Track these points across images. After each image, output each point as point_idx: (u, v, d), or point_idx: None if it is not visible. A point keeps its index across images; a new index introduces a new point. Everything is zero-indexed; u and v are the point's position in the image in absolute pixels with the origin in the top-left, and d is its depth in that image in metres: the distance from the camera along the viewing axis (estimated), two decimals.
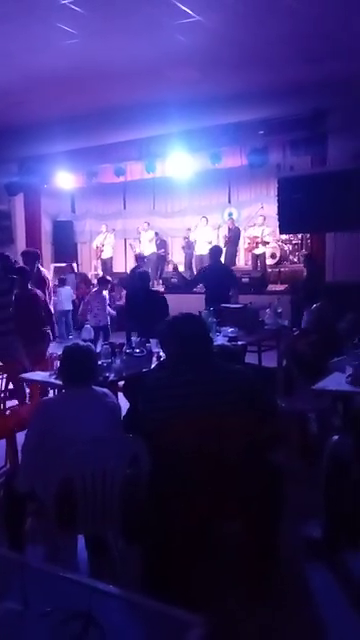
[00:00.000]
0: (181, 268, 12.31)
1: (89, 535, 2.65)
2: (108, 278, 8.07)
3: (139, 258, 11.41)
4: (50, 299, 7.03)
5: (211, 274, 7.50)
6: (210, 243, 11.62)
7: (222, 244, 11.81)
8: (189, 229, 12.13)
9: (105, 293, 7.68)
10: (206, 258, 11.52)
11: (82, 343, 2.98)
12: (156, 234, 12.62)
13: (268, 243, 11.28)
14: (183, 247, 12.44)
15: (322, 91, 7.81)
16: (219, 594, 2.49)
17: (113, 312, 7.87)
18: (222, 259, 8.53)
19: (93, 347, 3.06)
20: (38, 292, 5.56)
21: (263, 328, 6.03)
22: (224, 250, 11.55)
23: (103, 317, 7.40)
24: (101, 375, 3.65)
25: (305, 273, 8.95)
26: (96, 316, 7.35)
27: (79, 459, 2.32)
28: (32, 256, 6.17)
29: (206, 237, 11.67)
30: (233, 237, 11.64)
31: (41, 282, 6.00)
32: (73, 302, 10.23)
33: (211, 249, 7.95)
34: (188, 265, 12.03)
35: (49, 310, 5.96)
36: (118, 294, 9.85)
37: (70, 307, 10.08)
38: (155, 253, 12.36)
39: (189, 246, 12.11)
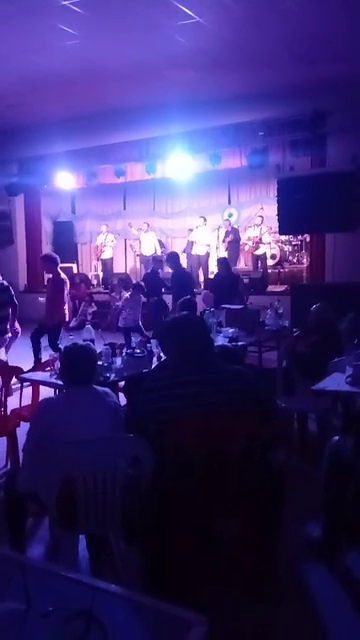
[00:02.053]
0: None
1: (90, 535, 2.66)
2: (141, 284, 8.23)
3: (155, 260, 11.35)
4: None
5: (178, 279, 8.09)
6: (208, 246, 11.61)
7: (223, 247, 11.81)
8: (191, 230, 12.08)
9: (139, 297, 7.96)
10: (203, 258, 11.55)
11: (81, 343, 2.99)
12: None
13: (268, 243, 11.30)
14: (184, 250, 12.39)
15: (321, 93, 7.84)
16: (220, 593, 2.49)
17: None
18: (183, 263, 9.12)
19: (93, 346, 3.06)
20: None
21: (263, 329, 6.04)
22: (226, 253, 11.57)
23: (134, 319, 7.76)
24: (102, 375, 3.65)
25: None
26: (125, 318, 7.69)
27: (80, 459, 2.32)
28: None
29: (204, 238, 11.64)
30: (233, 239, 11.63)
31: None
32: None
33: (168, 255, 8.38)
34: (188, 267, 12.01)
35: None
36: (117, 294, 9.83)
37: None
38: (155, 254, 12.34)
39: (191, 247, 12.08)
